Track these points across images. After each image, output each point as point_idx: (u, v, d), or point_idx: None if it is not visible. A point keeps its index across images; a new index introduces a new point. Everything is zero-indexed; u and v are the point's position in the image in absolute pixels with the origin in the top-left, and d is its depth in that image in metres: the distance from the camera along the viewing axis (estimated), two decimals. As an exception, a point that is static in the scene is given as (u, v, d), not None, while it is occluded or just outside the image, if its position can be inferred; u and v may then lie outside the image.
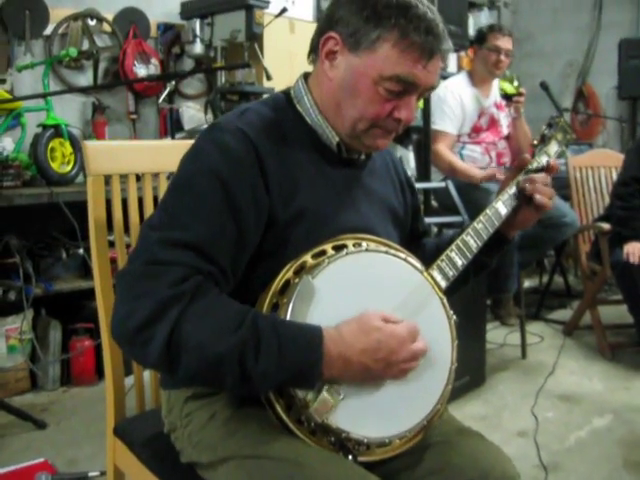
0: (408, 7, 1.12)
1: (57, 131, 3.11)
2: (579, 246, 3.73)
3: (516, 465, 1.20)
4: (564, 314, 4.10)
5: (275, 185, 1.13)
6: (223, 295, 1.05)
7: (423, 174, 3.24)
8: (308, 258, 1.12)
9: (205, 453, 1.16)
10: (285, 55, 3.65)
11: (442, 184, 3.26)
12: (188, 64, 4.03)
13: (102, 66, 3.71)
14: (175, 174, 1.15)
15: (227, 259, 1.08)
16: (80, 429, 2.61)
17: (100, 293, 1.46)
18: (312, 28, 1.25)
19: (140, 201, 1.55)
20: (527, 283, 4.60)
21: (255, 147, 1.12)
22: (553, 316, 4.12)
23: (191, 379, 1.05)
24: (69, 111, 3.54)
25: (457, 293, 1.34)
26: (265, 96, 1.35)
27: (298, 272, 1.11)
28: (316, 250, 1.13)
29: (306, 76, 1.28)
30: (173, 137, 3.63)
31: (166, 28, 3.95)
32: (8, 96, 3.12)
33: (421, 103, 3.07)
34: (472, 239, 1.30)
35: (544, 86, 3.57)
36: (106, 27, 3.68)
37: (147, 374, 1.51)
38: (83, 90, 3.59)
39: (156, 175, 1.58)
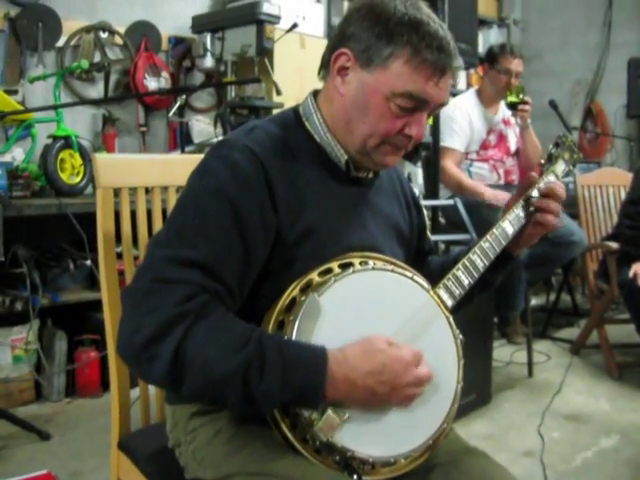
0: (420, 24, 1.12)
1: (67, 142, 3.12)
2: (587, 265, 3.71)
3: (522, 486, 1.19)
4: (571, 333, 4.07)
5: (283, 204, 1.13)
6: (229, 314, 1.05)
7: (431, 191, 3.24)
8: (314, 276, 1.12)
9: (210, 470, 1.16)
10: (295, 70, 3.67)
11: (450, 201, 3.26)
12: (198, 78, 4.06)
13: (113, 78, 3.74)
14: (183, 191, 1.15)
15: (234, 278, 1.08)
16: (84, 441, 2.60)
17: (107, 305, 1.46)
18: (322, 44, 1.26)
19: (149, 214, 1.55)
20: (534, 301, 4.58)
21: (263, 166, 1.13)
22: (560, 335, 4.10)
23: (195, 397, 1.04)
24: (79, 123, 3.56)
25: (461, 311, 1.34)
26: (275, 111, 1.36)
27: (304, 290, 1.11)
28: (322, 268, 1.13)
29: (315, 94, 1.28)
30: (183, 150, 3.65)
31: (177, 42, 3.98)
32: (20, 107, 3.14)
33: (430, 120, 3.08)
34: (479, 258, 1.30)
35: (553, 104, 3.58)
36: (118, 40, 3.71)
37: (152, 387, 1.51)
38: (94, 102, 3.62)
39: (165, 188, 1.59)
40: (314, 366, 1.00)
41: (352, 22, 1.18)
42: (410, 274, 1.20)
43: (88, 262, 3.11)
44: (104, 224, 1.45)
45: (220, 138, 2.61)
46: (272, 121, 1.25)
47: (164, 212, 1.53)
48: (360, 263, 1.15)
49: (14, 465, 2.40)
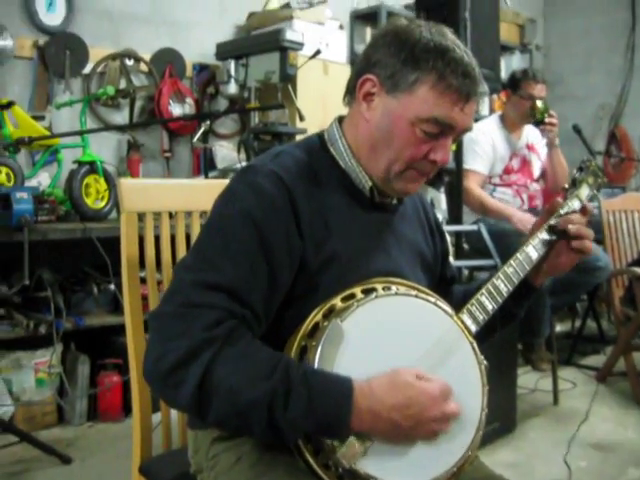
0: (445, 50, 1.13)
1: (92, 167, 3.16)
2: (612, 290, 3.66)
3: (548, 517, 1.17)
4: (597, 360, 4.02)
5: (308, 229, 1.13)
6: (256, 341, 1.05)
7: (455, 216, 3.23)
8: (337, 301, 1.12)
9: (231, 496, 1.15)
10: (318, 96, 3.69)
11: (474, 227, 3.24)
12: (222, 104, 4.10)
13: (138, 104, 3.79)
14: (209, 216, 1.16)
15: (260, 302, 1.08)
16: (105, 466, 2.60)
17: (130, 329, 1.46)
18: (345, 70, 1.27)
19: (172, 239, 1.56)
20: (559, 327, 4.52)
21: (289, 191, 1.13)
22: (586, 362, 4.04)
23: (221, 423, 1.04)
24: (105, 148, 3.61)
25: (485, 343, 1.32)
26: (298, 137, 1.36)
27: (327, 315, 1.10)
28: (345, 293, 1.13)
29: (340, 119, 1.28)
30: (206, 176, 3.67)
31: (201, 68, 4.03)
32: (47, 132, 3.18)
33: (454, 146, 3.07)
34: (502, 283, 1.29)
35: (576, 129, 3.56)
36: (143, 67, 3.77)
37: (174, 412, 1.50)
38: (119, 128, 3.66)
39: (189, 213, 1.59)
40: (340, 397, 1.00)
41: (378, 48, 1.18)
42: (433, 299, 1.19)
43: (112, 286, 3.13)
44: (128, 249, 1.46)
45: (243, 164, 2.63)
46: (297, 147, 1.26)
47: (188, 237, 1.54)
48: (383, 288, 1.15)
49: (36, 489, 2.40)
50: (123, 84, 3.67)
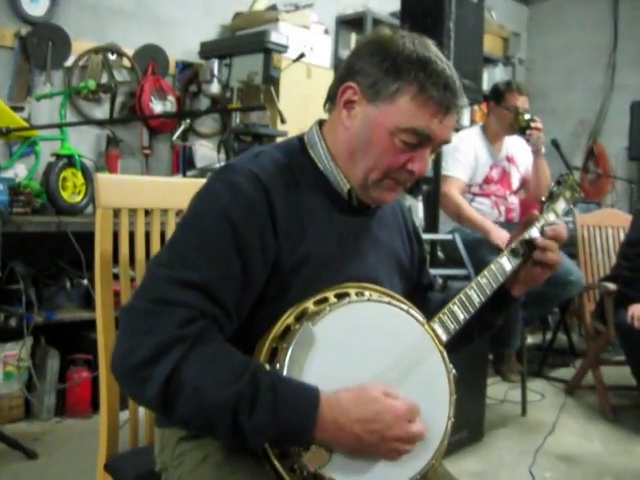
0: (428, 62, 1.14)
1: (70, 161, 3.14)
2: (584, 305, 3.70)
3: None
4: (566, 373, 4.05)
5: (283, 230, 1.14)
6: (227, 344, 1.04)
7: (431, 225, 3.25)
8: (310, 305, 1.12)
9: (195, 496, 1.14)
10: (300, 100, 3.70)
11: (449, 236, 3.26)
12: (204, 103, 4.09)
13: (119, 100, 3.77)
14: (186, 212, 1.16)
15: (232, 301, 1.08)
16: (71, 462, 2.57)
17: (101, 325, 1.45)
18: (329, 75, 1.27)
19: (147, 236, 1.55)
20: (530, 340, 4.56)
21: (266, 191, 1.13)
22: (555, 374, 4.08)
23: (185, 423, 1.03)
24: (83, 142, 3.58)
25: (460, 352, 1.33)
26: (278, 139, 1.37)
27: (299, 318, 1.10)
28: (318, 297, 1.13)
29: (320, 123, 1.29)
30: (185, 174, 3.66)
31: (184, 66, 4.02)
32: (25, 124, 3.15)
33: (432, 156, 3.09)
34: (475, 294, 1.30)
35: (555, 144, 3.60)
36: (126, 62, 3.75)
37: (142, 410, 1.49)
38: (99, 122, 3.64)
39: (165, 211, 1.59)
40: (306, 406, 1.00)
41: (361, 56, 1.19)
42: (406, 307, 1.19)
43: (85, 281, 3.11)
44: (102, 244, 1.45)
45: (222, 163, 2.62)
46: (277, 148, 1.26)
47: (162, 235, 1.54)
48: (356, 294, 1.15)
49: (-1, 483, 2.37)
50: (105, 79, 3.65)
